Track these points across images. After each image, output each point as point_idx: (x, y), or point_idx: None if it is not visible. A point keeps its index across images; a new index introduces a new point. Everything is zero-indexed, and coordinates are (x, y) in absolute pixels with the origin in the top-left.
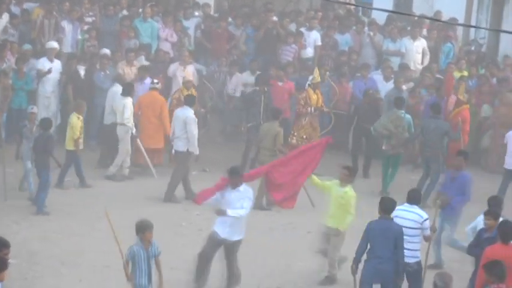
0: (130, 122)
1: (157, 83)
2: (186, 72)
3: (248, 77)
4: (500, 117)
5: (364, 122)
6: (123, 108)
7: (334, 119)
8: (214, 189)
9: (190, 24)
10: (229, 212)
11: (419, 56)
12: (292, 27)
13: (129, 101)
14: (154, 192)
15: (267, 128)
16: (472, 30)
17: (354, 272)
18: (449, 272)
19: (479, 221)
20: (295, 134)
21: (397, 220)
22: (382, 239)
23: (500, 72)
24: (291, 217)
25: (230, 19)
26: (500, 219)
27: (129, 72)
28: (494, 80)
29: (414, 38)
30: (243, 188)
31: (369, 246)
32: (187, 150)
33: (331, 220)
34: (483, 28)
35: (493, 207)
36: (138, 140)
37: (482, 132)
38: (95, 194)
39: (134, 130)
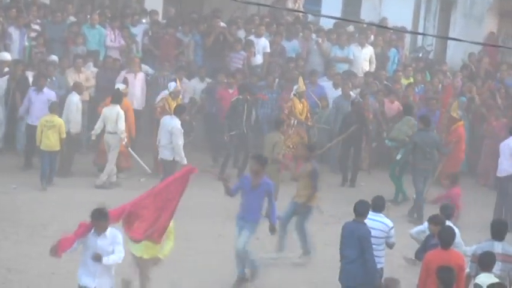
0: (124, 131)
1: (124, 87)
2: (173, 85)
3: (197, 84)
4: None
5: (353, 132)
6: (116, 117)
7: (318, 134)
8: (74, 237)
9: (138, 30)
10: (105, 259)
11: (367, 64)
12: (241, 34)
13: (120, 109)
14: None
15: (269, 138)
16: (420, 37)
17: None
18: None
19: (427, 226)
20: (285, 143)
21: None
22: (349, 240)
23: (446, 79)
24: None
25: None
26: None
27: (77, 78)
28: (440, 86)
29: (362, 45)
30: (110, 232)
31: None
32: (174, 159)
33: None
34: (430, 35)
35: (445, 214)
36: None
37: None
38: (41, 200)
39: (126, 139)
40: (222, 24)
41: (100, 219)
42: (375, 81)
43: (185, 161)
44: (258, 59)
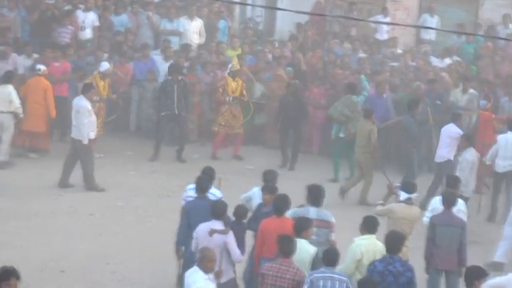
0: (20, 108)
1: (44, 69)
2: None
3: (24, 60)
4: (272, 91)
5: (290, 114)
6: (8, 96)
7: (253, 108)
8: None
9: None
10: None
11: (197, 36)
12: (69, 8)
13: (12, 88)
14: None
15: (360, 127)
16: (249, 8)
17: (180, 255)
18: None
19: (255, 193)
20: (216, 121)
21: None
22: (202, 218)
23: (276, 50)
24: (72, 200)
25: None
26: None
27: None
28: (271, 57)
29: (191, 17)
30: None
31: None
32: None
33: None
34: (259, 6)
35: (269, 182)
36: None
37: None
38: None
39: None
40: None
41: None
42: (205, 52)
43: (86, 141)
44: (88, 33)
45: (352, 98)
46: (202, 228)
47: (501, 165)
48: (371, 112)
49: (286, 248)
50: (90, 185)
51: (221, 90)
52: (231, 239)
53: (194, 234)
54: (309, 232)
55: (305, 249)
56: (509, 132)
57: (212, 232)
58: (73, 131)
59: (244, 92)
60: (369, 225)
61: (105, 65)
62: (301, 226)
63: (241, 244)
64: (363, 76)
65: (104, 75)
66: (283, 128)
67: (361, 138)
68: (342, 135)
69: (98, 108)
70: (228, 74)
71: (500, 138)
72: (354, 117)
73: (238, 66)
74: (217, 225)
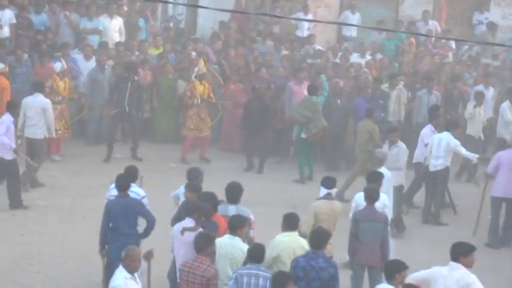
0: None
1: (2, 67)
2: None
3: None
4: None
5: (255, 119)
6: None
7: (222, 110)
8: None
9: None
10: None
11: (117, 35)
12: None
13: None
14: None
15: (361, 126)
16: (170, 6)
17: (104, 254)
18: None
19: (182, 191)
20: (185, 125)
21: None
22: (124, 216)
23: (199, 46)
24: None
25: None
26: None
27: None
28: (194, 54)
29: (111, 16)
30: None
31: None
32: (45, 136)
33: None
34: (180, 4)
35: (193, 180)
36: None
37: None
38: None
39: None
40: None
41: None
42: (121, 49)
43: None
44: (6, 32)
45: (312, 99)
46: (177, 228)
47: (432, 164)
48: (372, 112)
49: (197, 244)
50: (23, 182)
51: (189, 94)
52: None
53: (171, 234)
54: (244, 230)
55: (239, 247)
56: (445, 132)
57: (183, 230)
58: (31, 131)
59: (212, 95)
60: (289, 223)
61: (58, 66)
62: (236, 224)
63: None
64: (323, 76)
65: (62, 75)
66: (249, 133)
67: (361, 137)
68: (304, 135)
69: (59, 110)
70: (195, 77)
71: (435, 137)
72: (314, 118)
73: (205, 70)
74: (189, 222)
